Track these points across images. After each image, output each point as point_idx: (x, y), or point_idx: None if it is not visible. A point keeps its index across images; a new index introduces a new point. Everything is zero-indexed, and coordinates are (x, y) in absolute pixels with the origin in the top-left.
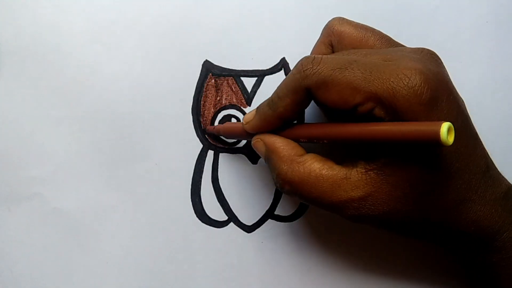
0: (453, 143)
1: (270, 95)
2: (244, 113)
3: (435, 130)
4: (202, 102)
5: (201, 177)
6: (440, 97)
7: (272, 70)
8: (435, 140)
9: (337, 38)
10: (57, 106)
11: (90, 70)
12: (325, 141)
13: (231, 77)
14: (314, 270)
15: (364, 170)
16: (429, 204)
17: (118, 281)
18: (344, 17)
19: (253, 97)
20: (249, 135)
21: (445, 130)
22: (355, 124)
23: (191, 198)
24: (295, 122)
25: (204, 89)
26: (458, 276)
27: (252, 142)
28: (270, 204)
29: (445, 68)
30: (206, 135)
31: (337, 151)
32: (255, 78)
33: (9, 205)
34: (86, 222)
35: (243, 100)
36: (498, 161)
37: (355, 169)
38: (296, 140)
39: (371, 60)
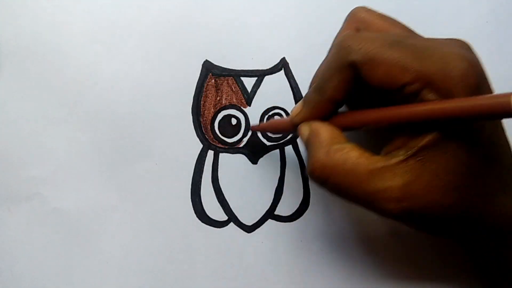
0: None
1: (271, 96)
2: (244, 113)
3: (507, 100)
4: (202, 102)
5: (201, 177)
6: (483, 83)
7: (272, 70)
8: (508, 110)
9: (363, 25)
10: (57, 106)
11: (90, 70)
12: (374, 127)
13: (231, 77)
14: (314, 270)
15: (403, 158)
16: (469, 192)
17: (118, 281)
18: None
19: (253, 97)
20: (293, 127)
21: None
22: (411, 105)
23: (191, 198)
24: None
25: (204, 89)
26: (459, 276)
27: (298, 129)
28: (270, 204)
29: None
30: (205, 136)
31: (379, 144)
32: (255, 78)
33: (9, 205)
34: (86, 222)
35: (243, 100)
36: None
37: (394, 158)
38: (344, 128)
39: (415, 42)
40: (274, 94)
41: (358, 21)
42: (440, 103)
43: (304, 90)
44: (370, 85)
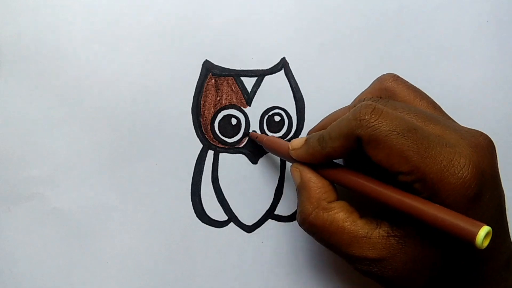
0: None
1: (271, 95)
2: (244, 113)
3: (473, 231)
4: (202, 102)
5: (201, 177)
6: (484, 193)
7: (272, 70)
8: (470, 241)
9: (388, 94)
10: (57, 106)
11: (90, 70)
12: (360, 193)
13: (231, 77)
14: (314, 270)
15: (386, 234)
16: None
17: (118, 281)
18: (396, 74)
19: (253, 97)
20: (291, 159)
21: (483, 234)
22: (397, 190)
23: (191, 198)
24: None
25: (204, 89)
26: None
27: (290, 168)
28: (270, 204)
29: (496, 158)
30: (205, 136)
31: (367, 202)
32: (255, 78)
33: (9, 205)
34: (86, 222)
35: (243, 100)
36: (499, 161)
37: (377, 230)
38: (332, 181)
39: (430, 133)
40: (274, 94)
41: (384, 89)
42: (423, 203)
43: (304, 90)
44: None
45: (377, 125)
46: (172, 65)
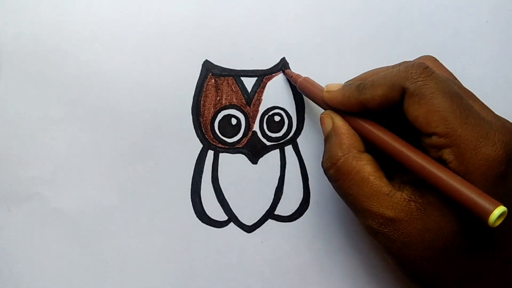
0: (501, 225)
1: (271, 95)
2: (244, 113)
3: (489, 209)
4: (202, 102)
5: (201, 177)
6: (510, 175)
7: (272, 70)
8: (483, 218)
9: None
10: (57, 106)
11: (90, 70)
12: (387, 152)
13: (231, 77)
14: (314, 270)
15: (407, 198)
16: (450, 262)
17: (118, 281)
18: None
19: (253, 97)
20: (323, 103)
21: (497, 214)
22: (423, 155)
23: (191, 198)
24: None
25: (204, 89)
26: None
27: (321, 115)
28: (270, 204)
29: None
30: (205, 136)
31: (392, 164)
32: (255, 78)
33: (9, 205)
34: (86, 222)
35: (243, 100)
36: None
37: (399, 192)
38: (361, 134)
39: (472, 106)
40: (274, 94)
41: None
42: (446, 172)
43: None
44: (406, 117)
45: (427, 81)
46: (172, 65)
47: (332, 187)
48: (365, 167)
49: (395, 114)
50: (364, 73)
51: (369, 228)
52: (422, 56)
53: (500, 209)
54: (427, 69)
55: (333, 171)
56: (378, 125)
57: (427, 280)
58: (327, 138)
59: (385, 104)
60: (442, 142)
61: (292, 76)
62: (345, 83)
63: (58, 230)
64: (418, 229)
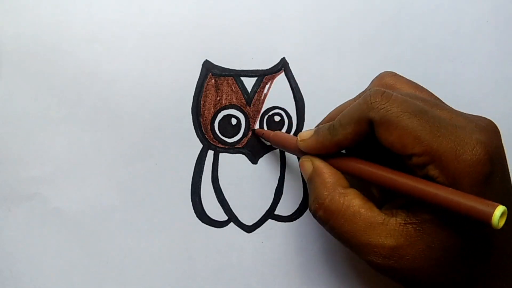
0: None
1: (271, 95)
2: (244, 113)
3: (489, 211)
4: (202, 102)
5: (201, 177)
6: (496, 173)
7: (272, 70)
8: (486, 221)
9: (389, 89)
10: (57, 106)
11: (90, 70)
12: (373, 182)
13: (231, 77)
14: (314, 270)
15: (403, 222)
16: (457, 274)
17: (118, 281)
18: (393, 71)
19: (253, 97)
20: (300, 152)
21: (499, 214)
22: (411, 176)
23: (191, 198)
24: (343, 152)
25: (204, 89)
26: None
27: (300, 160)
28: (270, 204)
29: (502, 143)
30: (205, 136)
31: (378, 193)
32: (255, 78)
33: (9, 205)
34: (86, 222)
35: (243, 100)
36: None
37: (394, 218)
38: (343, 171)
39: (440, 116)
40: (274, 94)
41: (384, 85)
42: (436, 188)
43: (304, 90)
44: (381, 144)
45: (389, 107)
46: (172, 65)
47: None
48: (354, 201)
49: (368, 143)
50: (330, 112)
51: (373, 264)
52: (381, 74)
53: (500, 208)
54: (385, 94)
55: (322, 212)
56: (357, 159)
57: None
58: (310, 181)
59: (358, 139)
60: (423, 161)
61: (263, 134)
62: (315, 127)
63: (58, 230)
64: (421, 249)
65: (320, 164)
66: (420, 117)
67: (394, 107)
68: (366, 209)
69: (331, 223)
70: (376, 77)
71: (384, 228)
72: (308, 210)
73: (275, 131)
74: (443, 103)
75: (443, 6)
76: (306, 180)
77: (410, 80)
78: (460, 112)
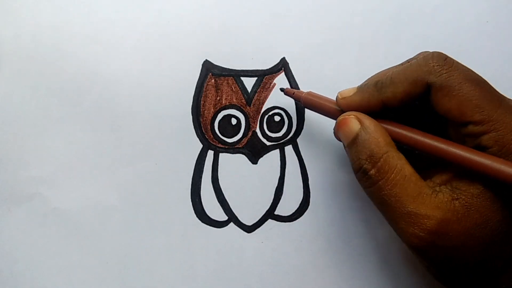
0: None
1: (271, 95)
2: (244, 113)
3: None
4: (202, 102)
5: (201, 177)
6: None
7: (272, 70)
8: None
9: None
10: (57, 106)
11: (90, 70)
12: (423, 152)
13: (231, 77)
14: (314, 270)
15: (450, 198)
16: (496, 251)
17: (118, 281)
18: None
19: (253, 97)
20: (338, 112)
21: None
22: (461, 146)
23: (191, 198)
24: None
25: (204, 89)
26: None
27: (341, 118)
28: (270, 204)
29: None
30: (205, 136)
31: (421, 163)
32: (255, 78)
33: (9, 205)
34: (86, 222)
35: (243, 100)
36: None
37: (441, 193)
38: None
39: (497, 91)
40: (274, 94)
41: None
42: (490, 158)
43: (304, 90)
44: (434, 110)
45: (451, 72)
46: (172, 65)
47: (333, 189)
48: (407, 166)
49: (413, 109)
50: (376, 73)
51: (413, 238)
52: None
53: None
54: (448, 59)
55: (375, 170)
56: (405, 126)
57: (472, 277)
58: (357, 139)
59: (407, 100)
60: (479, 130)
61: (294, 93)
62: (358, 86)
63: (58, 230)
64: (467, 227)
65: (371, 121)
66: (482, 86)
67: (457, 73)
68: (417, 178)
69: (381, 183)
70: (422, 52)
71: (433, 200)
72: (308, 210)
73: (308, 91)
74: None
75: (443, 6)
76: (347, 141)
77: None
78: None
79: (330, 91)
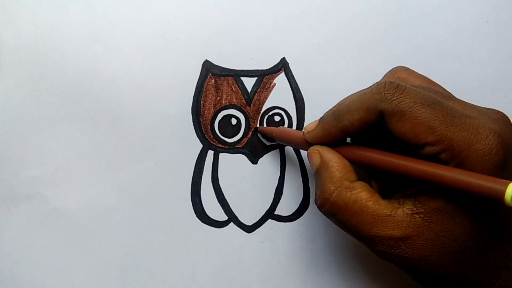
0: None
1: (271, 95)
2: (244, 113)
3: (501, 189)
4: (202, 102)
5: (201, 177)
6: (509, 163)
7: (272, 70)
8: (499, 198)
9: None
10: (57, 106)
11: (90, 70)
12: (382, 170)
13: (231, 77)
14: (314, 270)
15: (410, 212)
16: (468, 262)
17: (118, 281)
18: (407, 66)
19: (253, 97)
20: (307, 144)
21: (511, 191)
22: (421, 161)
23: (191, 198)
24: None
25: (204, 89)
26: None
27: (308, 152)
28: (270, 204)
29: None
30: (205, 136)
31: (384, 184)
32: (255, 78)
33: (9, 205)
34: (86, 222)
35: (243, 100)
36: None
37: (401, 209)
38: (352, 160)
39: (453, 107)
40: (274, 94)
41: (397, 79)
42: (447, 169)
43: (304, 90)
44: (392, 134)
45: (402, 98)
46: (172, 65)
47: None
48: (360, 195)
49: (374, 133)
50: (338, 103)
51: (380, 254)
52: (394, 68)
53: None
54: (399, 87)
55: (328, 206)
56: (365, 147)
57: (452, 286)
58: (317, 174)
59: (364, 127)
60: (436, 150)
61: (266, 131)
62: (320, 118)
63: (58, 230)
64: (429, 239)
65: (328, 155)
66: (433, 107)
67: (407, 98)
68: (373, 202)
69: (337, 216)
70: (389, 71)
71: (392, 220)
72: (308, 210)
73: (279, 127)
74: (455, 97)
75: (443, 6)
76: (314, 172)
77: (422, 75)
78: (473, 104)
79: (330, 91)
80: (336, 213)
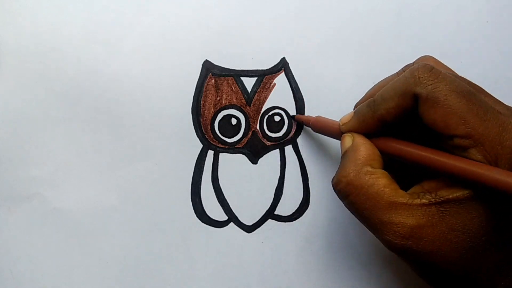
0: None
1: (271, 95)
2: (244, 113)
3: None
4: (202, 102)
5: (201, 177)
6: None
7: (272, 70)
8: None
9: None
10: (57, 106)
11: (90, 70)
12: (410, 161)
13: (231, 77)
14: (314, 270)
15: (427, 202)
16: (477, 259)
17: (118, 281)
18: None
19: (253, 97)
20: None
21: None
22: (446, 154)
23: (191, 198)
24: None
25: (204, 89)
26: None
27: (342, 136)
28: (270, 204)
29: None
30: (205, 136)
31: (401, 178)
32: (255, 78)
33: (9, 205)
34: (86, 222)
35: (243, 100)
36: None
37: (417, 200)
38: (385, 151)
39: (486, 101)
40: (274, 94)
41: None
42: (480, 167)
43: (304, 90)
44: (423, 121)
45: (437, 83)
46: (172, 65)
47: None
48: (379, 180)
49: (411, 122)
50: (369, 90)
51: (389, 244)
52: (421, 57)
53: None
54: (434, 70)
55: (343, 185)
56: (399, 140)
57: (456, 284)
58: (343, 155)
59: (402, 114)
60: (465, 143)
61: (303, 120)
62: (354, 108)
63: (58, 230)
64: (442, 231)
65: (360, 140)
66: (468, 98)
67: (443, 84)
68: (391, 189)
69: (351, 198)
70: (417, 59)
71: (407, 208)
72: (308, 210)
73: (316, 116)
74: (486, 91)
75: (443, 6)
76: (341, 155)
77: (449, 68)
78: (501, 101)
79: (330, 91)
80: (350, 194)
